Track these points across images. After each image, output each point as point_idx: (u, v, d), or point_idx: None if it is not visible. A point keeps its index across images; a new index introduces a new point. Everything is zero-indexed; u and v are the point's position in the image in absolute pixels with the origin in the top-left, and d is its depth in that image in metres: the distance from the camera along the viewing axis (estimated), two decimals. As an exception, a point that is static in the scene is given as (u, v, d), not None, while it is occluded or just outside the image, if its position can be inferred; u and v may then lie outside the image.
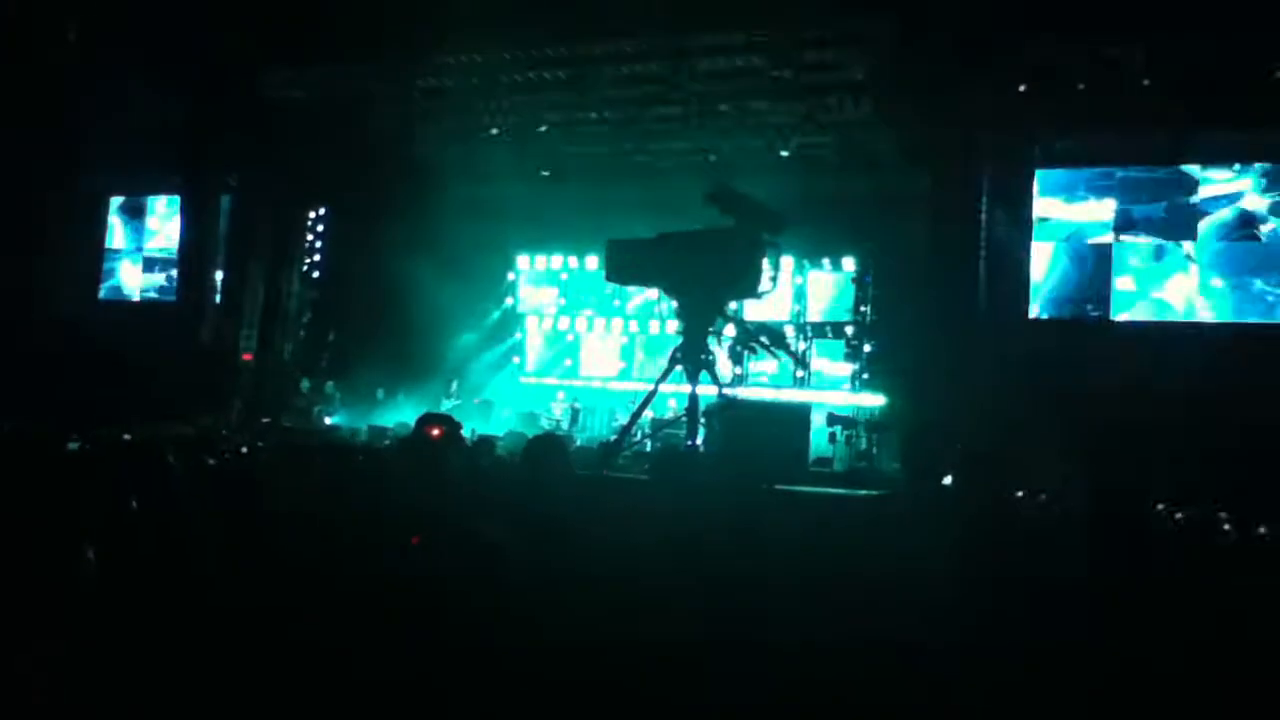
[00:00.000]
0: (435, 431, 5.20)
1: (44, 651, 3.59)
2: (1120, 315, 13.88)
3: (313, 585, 4.19)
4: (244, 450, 11.27)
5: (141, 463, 6.08)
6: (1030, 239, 14.19)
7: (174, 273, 18.61)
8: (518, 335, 19.29)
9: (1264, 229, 13.34)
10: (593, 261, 18.07)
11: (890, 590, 4.35)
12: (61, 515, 4.29)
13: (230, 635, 3.89)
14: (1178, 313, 13.62)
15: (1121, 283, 13.90)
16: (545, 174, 17.65)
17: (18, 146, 16.78)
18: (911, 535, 5.41)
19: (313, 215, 18.75)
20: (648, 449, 12.19)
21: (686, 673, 3.68)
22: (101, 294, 19.61)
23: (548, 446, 5.05)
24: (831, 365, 16.75)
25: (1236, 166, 13.52)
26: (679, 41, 14.10)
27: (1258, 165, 13.41)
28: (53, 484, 4.60)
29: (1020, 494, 8.89)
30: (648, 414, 12.85)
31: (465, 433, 8.22)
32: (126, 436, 10.60)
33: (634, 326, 18.36)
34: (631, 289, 17.07)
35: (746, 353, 11.90)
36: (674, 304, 10.63)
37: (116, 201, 19.68)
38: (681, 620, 3.92)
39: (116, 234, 19.72)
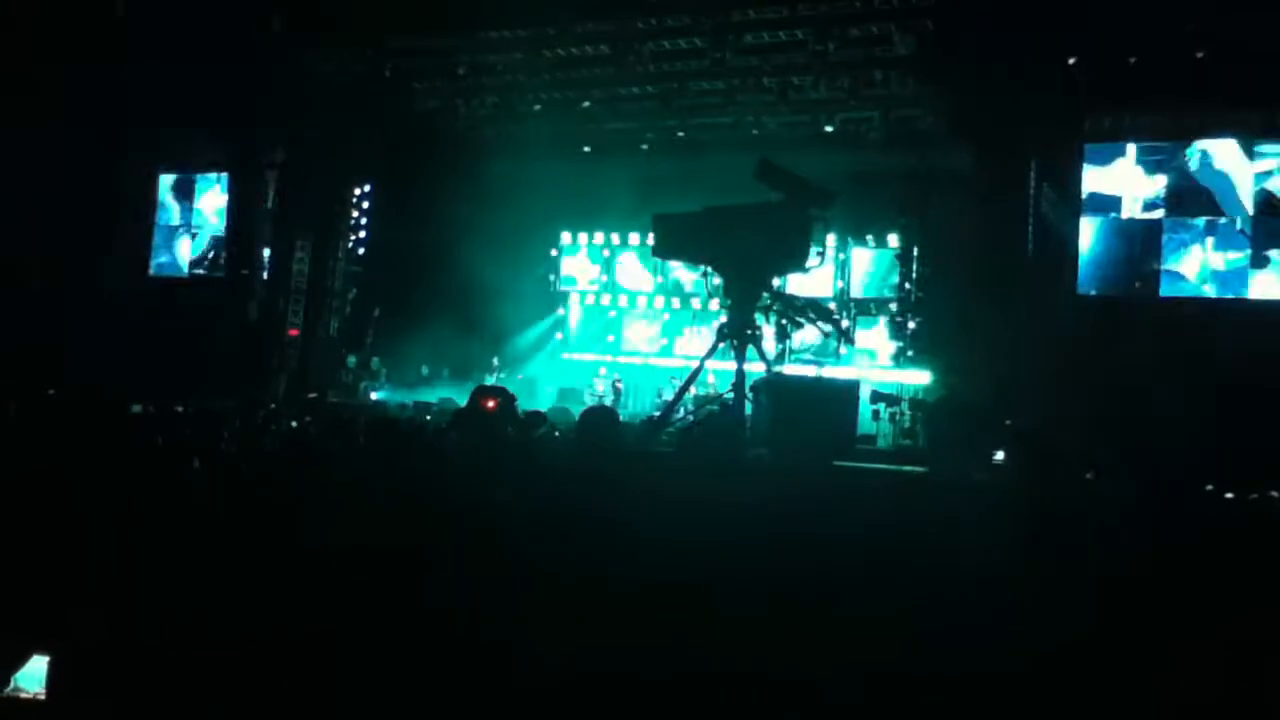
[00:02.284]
0: (490, 404, 5.25)
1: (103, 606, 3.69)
2: (1169, 292, 13.69)
3: (367, 555, 4.26)
4: (294, 424, 11.43)
5: (201, 430, 6.22)
6: (1078, 215, 14.01)
7: (222, 249, 18.84)
8: (560, 311, 19.35)
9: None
10: (635, 238, 18.10)
11: (939, 570, 4.36)
12: (131, 474, 4.40)
13: (278, 603, 3.97)
14: (1229, 289, 13.41)
15: (1171, 259, 13.71)
16: (587, 150, 17.67)
17: (70, 125, 17.00)
18: (965, 511, 5.40)
19: (358, 192, 18.87)
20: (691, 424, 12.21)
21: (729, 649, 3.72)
22: (152, 270, 19.87)
23: (600, 418, 5.09)
24: (874, 341, 16.70)
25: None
26: (722, 16, 14.03)
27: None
28: (120, 444, 4.71)
29: (1069, 472, 8.83)
30: (693, 390, 12.88)
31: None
32: (181, 414, 10.78)
33: (676, 303, 18.39)
34: (674, 265, 17.08)
35: (791, 327, 11.88)
36: (719, 280, 10.61)
37: (166, 179, 19.90)
38: (729, 598, 3.95)
39: (166, 211, 19.96)
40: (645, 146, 17.47)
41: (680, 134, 17.04)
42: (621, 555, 4.11)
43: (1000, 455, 8.53)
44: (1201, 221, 13.58)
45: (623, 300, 18.93)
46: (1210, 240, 13.52)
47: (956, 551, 4.47)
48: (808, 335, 15.45)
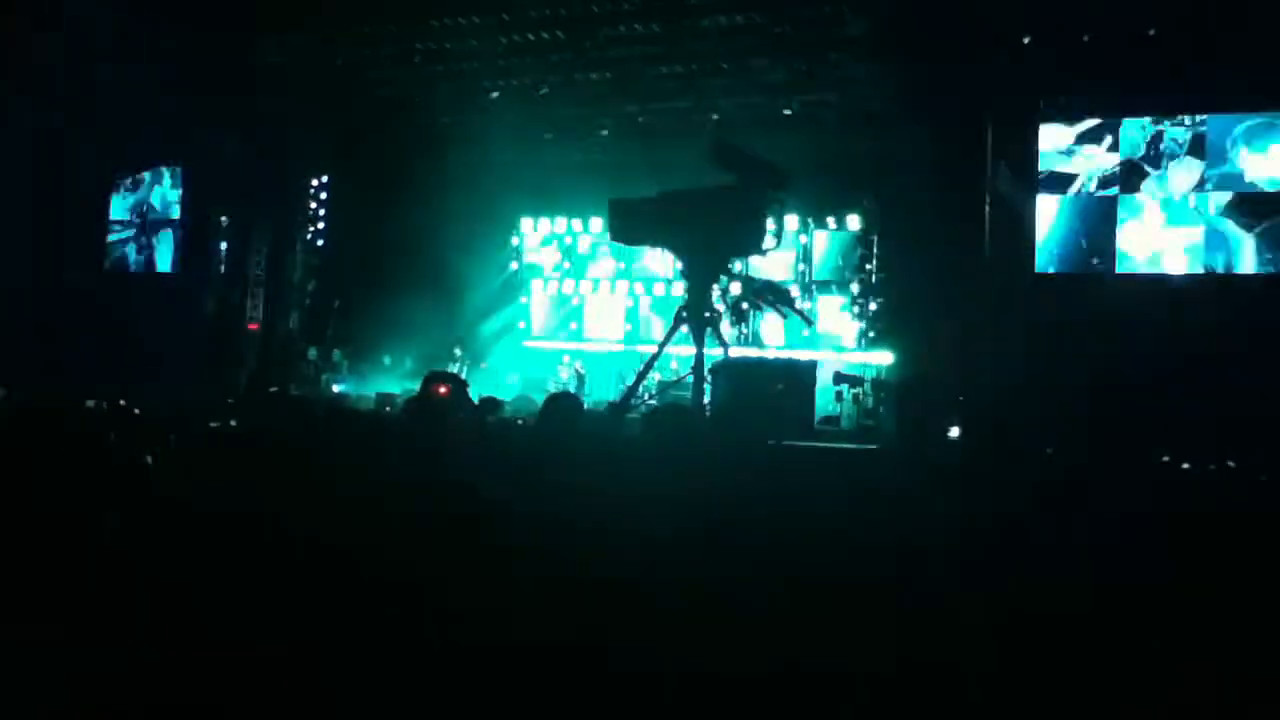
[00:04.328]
0: (441, 390, 5.21)
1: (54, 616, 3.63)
2: (1126, 268, 13.83)
3: (317, 548, 4.22)
4: (254, 417, 11.34)
5: (158, 425, 6.14)
6: (1035, 193, 14.12)
7: (179, 243, 18.64)
8: (523, 299, 19.29)
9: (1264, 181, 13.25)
10: (596, 223, 18.05)
11: (892, 545, 4.37)
12: (81, 477, 4.34)
13: (235, 598, 3.92)
14: (1185, 265, 13.56)
15: (1127, 236, 13.85)
16: (548, 136, 17.60)
17: (19, 119, 16.75)
18: (915, 487, 5.44)
19: (315, 183, 18.71)
20: (655, 408, 12.22)
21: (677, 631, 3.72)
22: (106, 265, 19.62)
23: (564, 405, 5.06)
24: (836, 323, 16.76)
25: (1244, 116, 13.40)
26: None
27: (1262, 115, 13.29)
28: (72, 446, 4.65)
29: (1028, 447, 8.93)
30: (654, 375, 12.88)
31: (472, 395, 8.26)
32: (136, 411, 10.67)
33: (639, 288, 18.37)
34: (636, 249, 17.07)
35: (752, 310, 11.91)
36: (678, 263, 10.62)
37: (120, 173, 19.64)
38: (675, 580, 3.94)
39: (119, 205, 19.71)
40: (605, 132, 17.43)
41: (640, 119, 17.01)
42: (578, 538, 4.11)
43: (955, 432, 8.60)
44: (1158, 198, 13.71)
45: (585, 287, 18.89)
46: (1165, 217, 13.66)
47: (909, 529, 4.49)
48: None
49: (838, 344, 16.40)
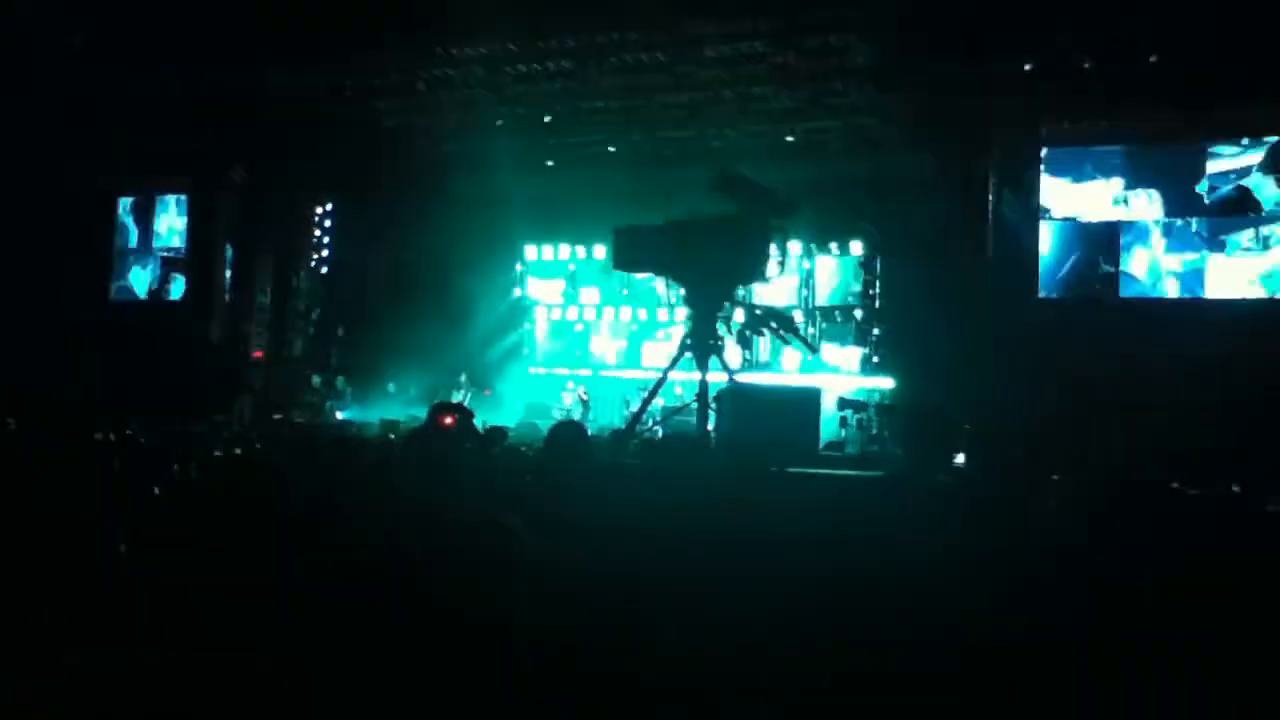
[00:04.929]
0: (448, 420, 5.21)
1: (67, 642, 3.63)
2: (1128, 294, 13.82)
3: (323, 576, 4.20)
4: (257, 446, 11.34)
5: (163, 454, 6.14)
6: (1038, 219, 14.12)
7: (183, 271, 18.68)
8: (526, 326, 19.31)
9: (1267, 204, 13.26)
10: (600, 251, 18.11)
11: (899, 574, 4.34)
12: (88, 506, 4.33)
13: (240, 626, 3.91)
14: (1186, 290, 13.56)
15: (1129, 261, 13.85)
16: (551, 164, 17.67)
17: (28, 146, 16.82)
18: (923, 515, 5.40)
19: (320, 210, 18.78)
20: (659, 436, 12.23)
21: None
22: (112, 293, 19.66)
23: (570, 432, 5.06)
24: (839, 349, 16.77)
25: (1245, 142, 13.43)
26: (682, 29, 14.08)
27: (1266, 140, 13.30)
28: (77, 475, 4.64)
29: (1031, 474, 8.89)
30: (658, 401, 12.88)
31: (477, 422, 8.24)
32: (141, 441, 10.66)
33: (642, 314, 18.40)
34: (639, 277, 17.10)
35: (755, 337, 11.94)
36: (682, 291, 10.64)
37: (126, 201, 19.71)
38: (681, 610, 3.93)
39: (126, 233, 19.76)
40: (609, 160, 17.51)
41: (644, 147, 17.09)
42: (581, 565, 4.09)
43: (961, 458, 8.58)
44: (1159, 224, 13.72)
45: (589, 314, 18.93)
46: (1165, 242, 13.67)
47: (914, 556, 4.46)
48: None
49: (840, 369, 16.42)
